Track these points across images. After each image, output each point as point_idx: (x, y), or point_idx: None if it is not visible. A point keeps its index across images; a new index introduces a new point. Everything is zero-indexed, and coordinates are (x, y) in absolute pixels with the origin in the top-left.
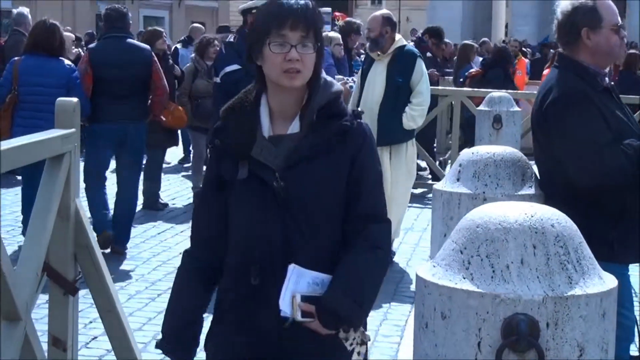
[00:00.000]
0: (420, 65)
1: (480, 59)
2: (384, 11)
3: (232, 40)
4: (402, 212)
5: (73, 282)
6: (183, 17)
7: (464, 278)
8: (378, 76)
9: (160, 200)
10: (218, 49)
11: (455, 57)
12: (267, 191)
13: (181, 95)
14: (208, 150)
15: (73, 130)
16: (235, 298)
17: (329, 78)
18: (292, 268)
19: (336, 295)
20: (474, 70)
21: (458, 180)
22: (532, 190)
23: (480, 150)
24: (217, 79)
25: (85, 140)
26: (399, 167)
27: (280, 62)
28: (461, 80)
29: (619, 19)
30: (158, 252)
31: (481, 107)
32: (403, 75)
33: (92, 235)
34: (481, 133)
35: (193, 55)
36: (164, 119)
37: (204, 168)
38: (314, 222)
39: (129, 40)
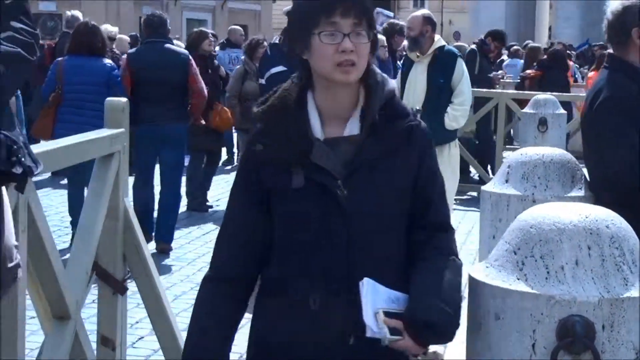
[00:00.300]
0: (461, 64)
1: (521, 61)
2: (424, 11)
3: (277, 41)
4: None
5: (122, 281)
6: (226, 19)
7: (518, 279)
8: (419, 77)
9: (206, 202)
10: None
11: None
12: (329, 200)
13: (231, 97)
14: (241, 155)
15: (122, 130)
16: (286, 317)
17: (382, 73)
18: (367, 283)
19: (425, 304)
20: (532, 71)
21: (507, 181)
22: (581, 192)
23: (529, 152)
24: (262, 81)
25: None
26: (443, 169)
27: (332, 53)
28: (519, 80)
29: None
30: (203, 253)
31: (526, 110)
32: (444, 75)
33: (141, 235)
34: (526, 135)
35: (243, 57)
36: (203, 122)
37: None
38: (379, 233)
39: (168, 45)
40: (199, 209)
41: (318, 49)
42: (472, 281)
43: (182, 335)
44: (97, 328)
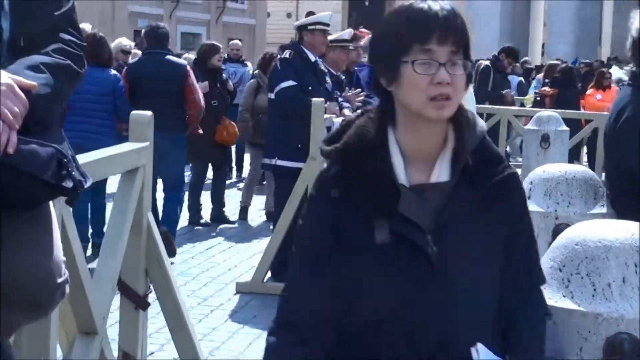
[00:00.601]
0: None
1: (518, 77)
2: None
3: (287, 56)
4: None
5: (144, 296)
6: (220, 33)
7: (564, 296)
8: None
9: (225, 216)
10: None
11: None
12: (418, 259)
13: (243, 110)
14: (309, 205)
15: (147, 143)
16: None
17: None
18: (481, 350)
19: None
20: (549, 89)
21: (529, 198)
22: (604, 209)
23: (551, 169)
24: (272, 95)
25: None
26: None
27: (426, 85)
28: (538, 98)
29: None
30: (207, 268)
31: (529, 126)
32: None
33: (163, 249)
34: (529, 152)
35: (257, 71)
36: (200, 131)
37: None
38: (473, 294)
39: (168, 56)
40: (200, 224)
41: (409, 79)
42: None
43: (202, 351)
44: (118, 343)
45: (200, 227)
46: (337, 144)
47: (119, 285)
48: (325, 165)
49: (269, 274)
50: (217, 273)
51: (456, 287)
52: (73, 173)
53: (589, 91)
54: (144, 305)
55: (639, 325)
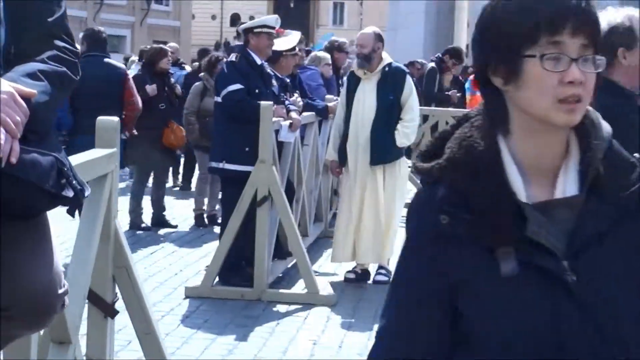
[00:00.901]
0: (410, 81)
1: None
2: (374, 28)
3: (234, 59)
4: (396, 233)
5: (112, 304)
6: (145, 36)
7: None
8: (368, 95)
9: (167, 221)
10: None
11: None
12: (556, 290)
13: (189, 113)
14: (412, 239)
15: (115, 149)
16: None
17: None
18: None
19: None
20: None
21: None
22: None
23: None
24: (218, 98)
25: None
26: (394, 186)
27: (554, 85)
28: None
29: None
30: (153, 272)
31: None
32: (394, 92)
33: (131, 256)
34: None
35: (202, 74)
36: (135, 132)
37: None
38: (618, 325)
39: (107, 59)
40: (143, 228)
41: (536, 77)
42: None
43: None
44: (85, 352)
45: (141, 232)
46: (439, 160)
47: (88, 293)
48: (419, 185)
49: (217, 278)
50: (164, 277)
51: (599, 319)
52: (73, 182)
53: None
54: (112, 313)
55: None
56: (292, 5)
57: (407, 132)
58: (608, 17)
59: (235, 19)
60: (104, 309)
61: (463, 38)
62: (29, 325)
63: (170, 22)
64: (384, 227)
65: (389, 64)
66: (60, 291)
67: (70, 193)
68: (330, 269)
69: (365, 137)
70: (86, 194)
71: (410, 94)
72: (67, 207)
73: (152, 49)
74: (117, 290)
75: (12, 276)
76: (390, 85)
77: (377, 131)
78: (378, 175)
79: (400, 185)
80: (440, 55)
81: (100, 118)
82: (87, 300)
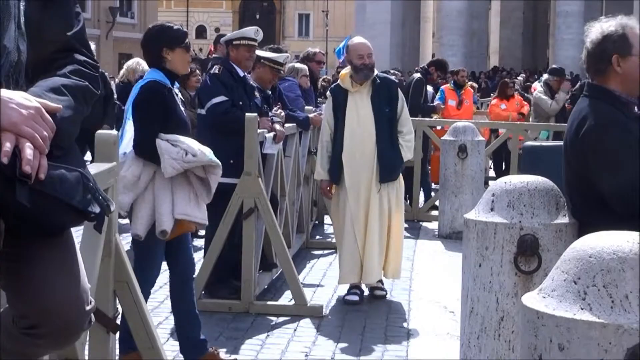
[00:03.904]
0: (399, 91)
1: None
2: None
3: (216, 71)
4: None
5: (114, 319)
6: (111, 48)
7: (582, 309)
8: (361, 108)
9: None
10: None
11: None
12: None
13: None
14: None
15: (114, 163)
16: None
17: None
18: None
19: None
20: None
21: (492, 209)
22: (566, 219)
23: (513, 180)
24: (202, 111)
25: None
26: (396, 199)
27: None
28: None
29: None
30: None
31: (446, 137)
32: (389, 104)
33: (131, 271)
34: (447, 162)
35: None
36: None
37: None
38: None
39: None
40: None
41: None
42: (530, 312)
43: None
44: None
45: None
46: None
47: None
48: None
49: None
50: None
51: None
52: (99, 198)
53: (494, 101)
54: (114, 328)
55: None
56: (257, 17)
57: (409, 146)
58: (602, 25)
59: (201, 32)
60: (106, 324)
61: (428, 47)
62: (56, 343)
63: (136, 35)
64: (393, 242)
65: (377, 75)
66: (87, 308)
67: (96, 209)
68: (314, 280)
69: (367, 153)
70: (112, 209)
71: (403, 105)
72: (93, 223)
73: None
74: (118, 304)
75: (40, 294)
76: (384, 97)
77: (383, 147)
78: (382, 191)
79: (401, 196)
80: (426, 67)
81: (99, 132)
82: None
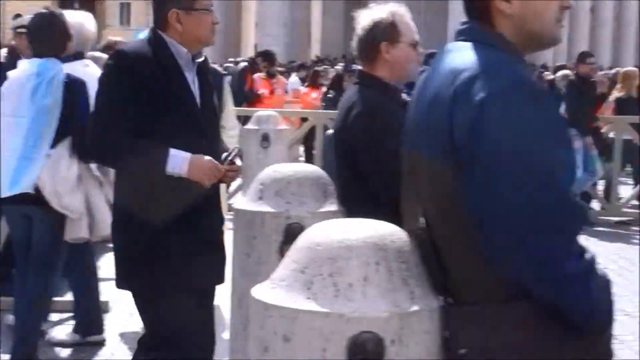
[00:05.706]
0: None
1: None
2: None
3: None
4: None
5: None
6: None
7: (308, 298)
8: None
9: None
10: None
11: None
12: None
13: None
14: None
15: None
16: None
17: None
18: None
19: None
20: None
21: (260, 198)
22: (334, 207)
23: (282, 169)
24: None
25: None
26: None
27: None
28: None
29: (417, 37)
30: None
31: (249, 126)
32: None
33: None
34: (249, 151)
35: None
36: None
37: None
38: None
39: None
40: None
41: None
42: (257, 303)
43: None
44: None
45: None
46: None
47: None
48: None
49: None
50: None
51: None
52: None
53: (305, 90)
54: None
55: (381, 323)
56: (76, 6)
57: None
58: (372, 13)
59: (17, 18)
60: None
61: (250, 38)
62: None
63: None
64: None
65: None
66: None
67: None
68: None
69: None
70: None
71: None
72: None
73: None
74: None
75: None
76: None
77: None
78: None
79: None
80: (254, 57)
81: None
82: None
